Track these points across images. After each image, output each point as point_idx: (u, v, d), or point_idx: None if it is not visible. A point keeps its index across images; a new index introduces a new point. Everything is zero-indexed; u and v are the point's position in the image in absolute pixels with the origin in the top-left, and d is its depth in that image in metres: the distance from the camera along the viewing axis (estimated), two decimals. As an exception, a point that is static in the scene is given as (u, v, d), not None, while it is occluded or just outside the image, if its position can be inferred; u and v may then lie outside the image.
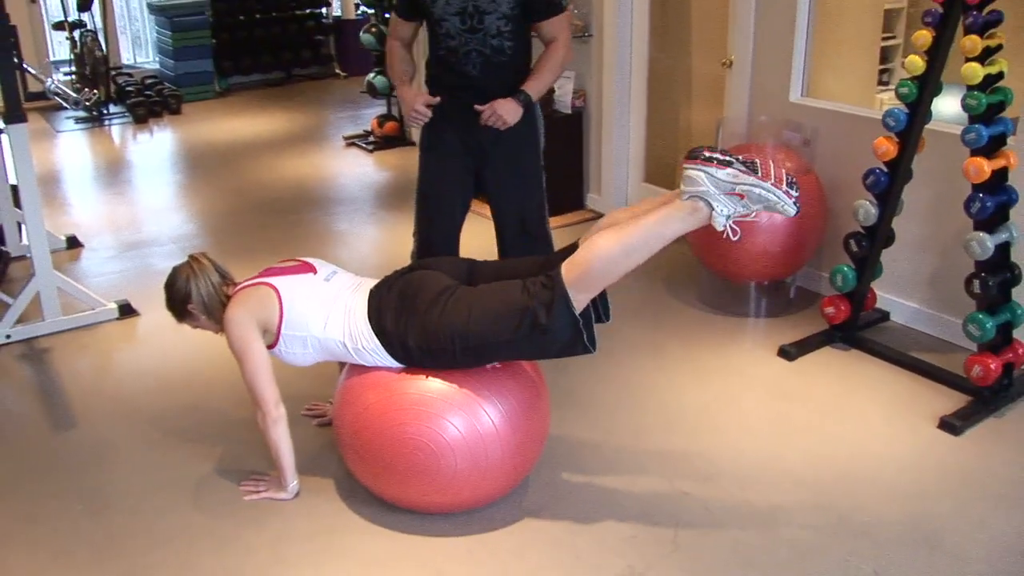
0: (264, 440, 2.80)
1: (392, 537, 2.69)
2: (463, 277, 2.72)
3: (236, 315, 2.71)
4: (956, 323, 3.51)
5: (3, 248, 4.79)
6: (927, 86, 3.32)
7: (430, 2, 3.23)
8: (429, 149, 3.48)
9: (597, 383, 3.54)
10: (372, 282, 2.79)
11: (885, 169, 3.50)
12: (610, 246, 2.42)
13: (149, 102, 8.39)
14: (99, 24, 8.60)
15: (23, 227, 4.44)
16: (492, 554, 2.62)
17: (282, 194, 6.10)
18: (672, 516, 2.76)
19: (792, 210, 2.36)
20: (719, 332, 3.95)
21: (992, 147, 3.16)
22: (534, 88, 3.30)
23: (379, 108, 7.71)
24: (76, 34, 8.44)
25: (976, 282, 3.24)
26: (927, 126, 3.43)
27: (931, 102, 3.37)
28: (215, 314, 2.81)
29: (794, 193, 2.35)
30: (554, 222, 3.60)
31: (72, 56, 8.54)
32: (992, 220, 3.20)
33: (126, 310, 4.26)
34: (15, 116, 3.85)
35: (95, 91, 8.15)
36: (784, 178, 2.34)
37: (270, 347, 2.75)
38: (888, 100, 4.92)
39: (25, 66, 6.80)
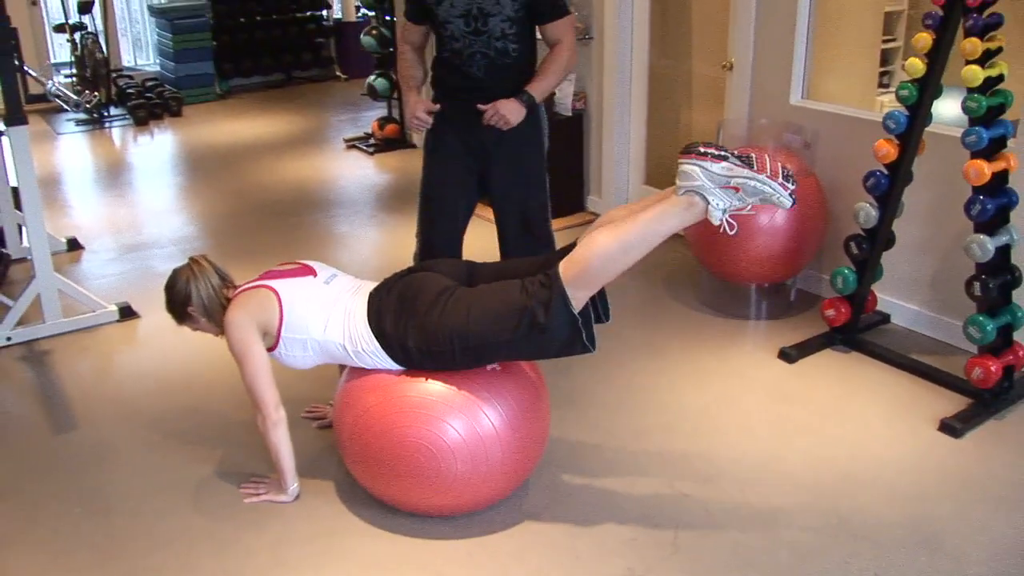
0: (264, 443, 2.80)
1: (392, 540, 2.69)
2: (463, 279, 2.72)
3: (236, 318, 2.71)
4: (956, 325, 3.51)
5: (4, 250, 4.80)
6: (927, 88, 3.33)
7: (435, 4, 3.25)
8: (432, 151, 3.49)
9: (597, 384, 3.54)
10: (372, 285, 2.79)
11: (885, 171, 3.50)
12: (607, 243, 2.42)
13: (150, 104, 8.40)
14: (100, 26, 8.61)
15: (24, 229, 4.45)
16: (492, 557, 2.62)
17: (283, 196, 6.11)
18: (672, 518, 2.76)
19: (788, 202, 2.36)
20: (719, 334, 3.95)
21: (992, 149, 3.16)
22: (538, 89, 3.30)
23: (380, 111, 7.71)
24: (77, 36, 8.45)
25: (976, 284, 3.24)
26: (927, 128, 3.43)
27: (931, 104, 3.37)
28: (215, 317, 2.81)
29: (790, 185, 2.34)
30: (554, 224, 3.60)
31: (73, 58, 8.56)
32: (992, 222, 3.20)
33: (126, 312, 4.26)
34: (16, 118, 3.85)
35: (96, 93, 8.16)
36: (780, 171, 2.34)
37: (270, 350, 2.75)
38: (888, 102, 4.92)
39: (26, 68, 6.83)
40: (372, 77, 7.33)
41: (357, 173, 6.69)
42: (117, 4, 9.89)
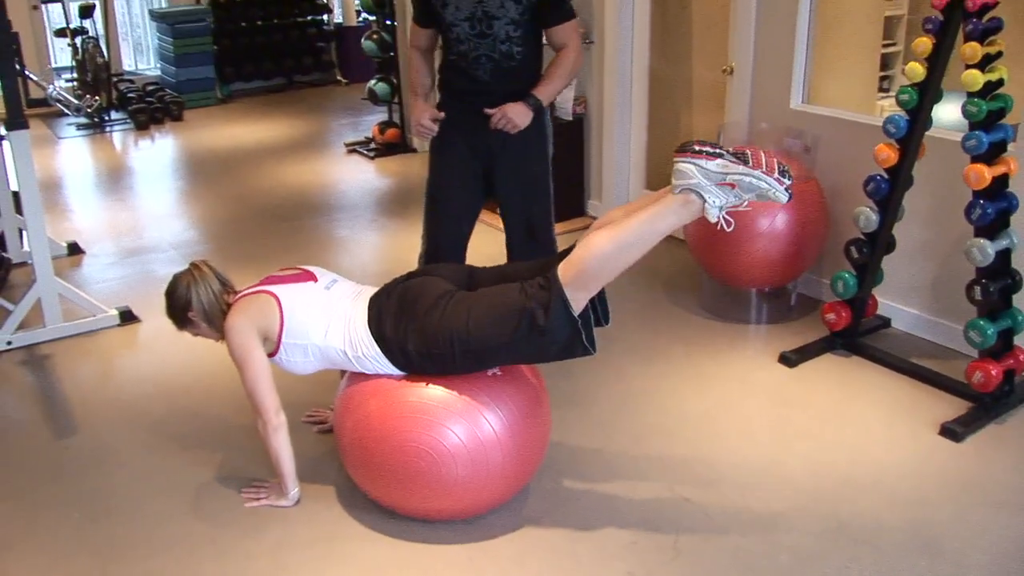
0: (265, 447, 2.80)
1: (393, 544, 2.69)
2: (463, 283, 2.72)
3: (237, 323, 2.71)
4: (957, 329, 3.51)
5: (4, 254, 4.80)
6: (927, 93, 3.33)
7: (441, 8, 3.26)
8: (438, 153, 3.50)
9: (598, 388, 3.54)
10: (372, 290, 2.79)
11: (886, 175, 3.50)
12: (605, 244, 2.43)
13: (150, 108, 8.41)
14: (101, 31, 8.63)
15: (24, 233, 4.45)
16: (493, 561, 2.62)
17: (283, 201, 6.11)
18: (673, 522, 2.76)
19: (784, 197, 2.35)
20: (720, 338, 3.94)
21: (992, 154, 3.16)
22: (544, 93, 3.31)
23: (380, 115, 7.72)
24: (78, 41, 8.47)
25: (977, 288, 3.24)
26: (928, 133, 3.44)
27: (931, 109, 3.38)
28: (216, 322, 2.81)
29: (786, 180, 2.34)
30: (555, 228, 3.60)
31: (74, 63, 8.57)
32: (993, 226, 3.20)
33: (127, 317, 4.26)
34: (17, 122, 3.86)
35: (97, 97, 8.17)
36: (776, 166, 2.34)
37: (271, 355, 2.75)
38: (889, 107, 4.93)
39: (27, 73, 6.83)
40: (373, 81, 7.34)
41: (358, 177, 6.69)
42: (118, 8, 9.91)
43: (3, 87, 3.79)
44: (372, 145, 7.34)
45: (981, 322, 3.23)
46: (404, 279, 2.77)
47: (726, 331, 4.02)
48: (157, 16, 9.29)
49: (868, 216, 3.56)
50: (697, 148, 2.36)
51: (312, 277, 2.82)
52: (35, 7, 8.96)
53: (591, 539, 2.69)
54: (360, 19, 10.05)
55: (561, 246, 3.15)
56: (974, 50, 3.09)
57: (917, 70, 3.32)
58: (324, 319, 2.70)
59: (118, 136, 8.15)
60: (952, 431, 3.15)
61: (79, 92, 8.31)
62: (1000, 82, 3.13)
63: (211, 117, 8.73)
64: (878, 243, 3.59)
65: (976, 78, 3.09)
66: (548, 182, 3.51)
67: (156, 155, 7.59)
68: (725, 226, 2.40)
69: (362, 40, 7.31)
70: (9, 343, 3.98)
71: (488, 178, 3.45)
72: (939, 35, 3.25)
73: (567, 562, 2.60)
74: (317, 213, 5.86)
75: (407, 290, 2.68)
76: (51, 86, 6.52)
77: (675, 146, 2.42)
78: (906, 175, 3.47)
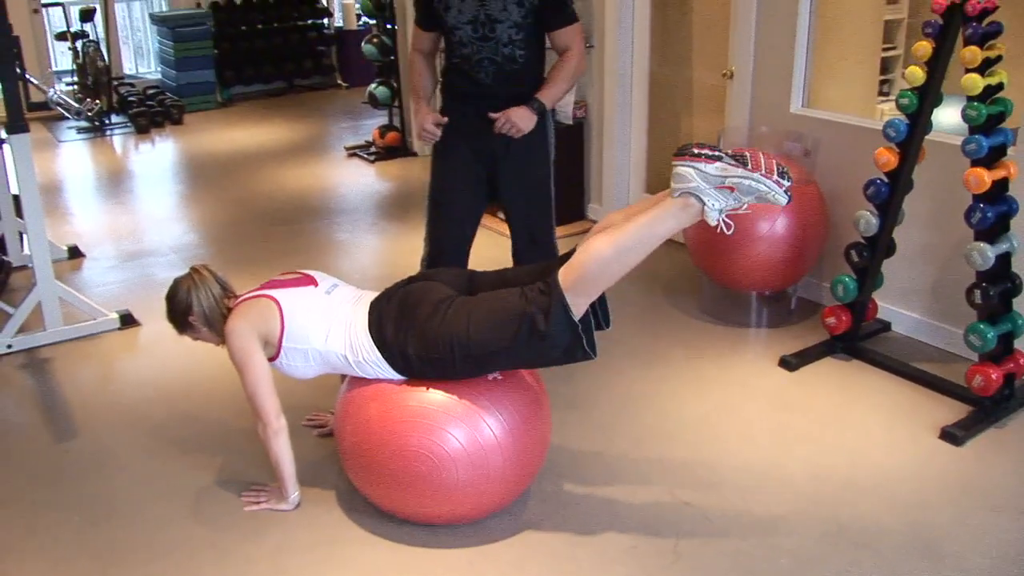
0: (265, 451, 2.80)
1: (393, 548, 2.69)
2: (463, 287, 2.72)
3: (237, 327, 2.71)
4: (957, 333, 3.52)
5: (5, 258, 4.80)
6: (927, 97, 3.33)
7: (443, 11, 3.27)
8: (440, 157, 3.50)
9: (598, 392, 3.54)
10: (373, 295, 2.79)
11: (886, 179, 3.50)
12: (604, 248, 2.43)
13: (151, 112, 8.41)
14: (101, 34, 8.63)
15: (25, 237, 4.45)
16: (493, 566, 2.61)
17: (284, 204, 6.11)
18: (673, 526, 2.76)
19: (783, 199, 2.35)
20: (720, 342, 3.95)
21: (992, 157, 3.16)
22: (548, 96, 3.32)
23: (381, 119, 7.72)
24: (78, 44, 8.48)
25: (977, 292, 3.24)
26: (927, 136, 3.44)
27: (931, 113, 3.38)
28: (216, 326, 2.81)
29: (785, 182, 2.34)
30: (556, 232, 3.60)
31: (74, 66, 8.58)
32: (993, 230, 3.20)
33: (127, 320, 4.26)
34: (17, 126, 3.86)
35: (97, 101, 8.19)
36: (775, 168, 2.34)
37: (271, 359, 2.75)
38: (889, 111, 4.93)
39: (27, 76, 6.85)
40: (373, 85, 7.34)
41: (358, 181, 6.69)
42: (119, 12, 9.91)
43: (4, 90, 3.80)
44: (372, 149, 7.35)
45: (981, 326, 3.23)
46: (405, 284, 2.77)
47: (726, 335, 4.02)
48: (157, 20, 9.29)
49: (868, 220, 3.56)
50: (696, 151, 2.36)
51: (313, 281, 2.82)
52: (36, 11, 8.96)
53: (591, 543, 2.69)
54: (360, 23, 10.06)
55: (561, 250, 3.15)
56: (974, 54, 3.09)
57: (917, 74, 3.33)
58: (325, 324, 2.70)
59: (118, 140, 8.15)
60: (952, 435, 3.15)
61: (79, 96, 8.33)
62: (1000, 86, 3.14)
63: (211, 121, 8.74)
64: (878, 247, 3.59)
65: (976, 82, 3.09)
66: (550, 185, 3.51)
67: (156, 159, 7.60)
68: (725, 229, 2.40)
69: (362, 44, 7.32)
70: (9, 346, 3.98)
71: (491, 182, 3.46)
72: (939, 39, 3.26)
73: (567, 566, 2.60)
74: (317, 217, 5.86)
75: (408, 295, 2.68)
76: (52, 90, 6.54)
77: (675, 150, 2.43)
78: (906, 179, 3.48)
